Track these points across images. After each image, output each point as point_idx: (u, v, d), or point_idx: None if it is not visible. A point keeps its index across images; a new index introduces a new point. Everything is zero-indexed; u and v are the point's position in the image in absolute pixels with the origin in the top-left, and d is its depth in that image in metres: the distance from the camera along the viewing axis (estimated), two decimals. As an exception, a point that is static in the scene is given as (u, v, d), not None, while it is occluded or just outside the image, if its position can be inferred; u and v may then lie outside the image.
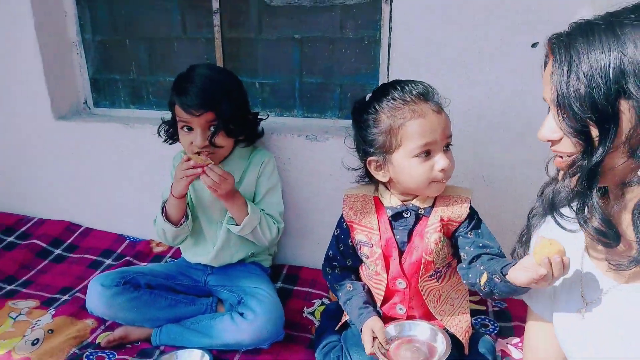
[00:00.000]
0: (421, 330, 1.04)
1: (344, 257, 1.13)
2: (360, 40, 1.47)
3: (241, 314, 1.19)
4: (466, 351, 1.07)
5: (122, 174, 1.72)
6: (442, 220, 1.02)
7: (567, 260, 0.73)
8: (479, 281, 0.93)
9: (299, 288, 1.47)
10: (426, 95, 0.97)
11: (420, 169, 0.97)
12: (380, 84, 1.41)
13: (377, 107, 0.98)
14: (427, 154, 0.96)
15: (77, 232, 1.77)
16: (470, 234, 1.03)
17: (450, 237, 1.05)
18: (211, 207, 1.32)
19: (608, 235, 0.68)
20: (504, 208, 1.35)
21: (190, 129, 1.23)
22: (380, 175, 1.03)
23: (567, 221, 0.73)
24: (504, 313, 1.30)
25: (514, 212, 1.15)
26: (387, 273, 1.05)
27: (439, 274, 1.06)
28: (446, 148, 0.99)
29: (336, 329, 1.16)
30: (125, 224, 1.77)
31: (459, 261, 1.04)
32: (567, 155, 0.69)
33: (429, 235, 1.02)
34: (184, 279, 1.35)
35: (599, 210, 0.67)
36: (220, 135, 1.22)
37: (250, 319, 1.16)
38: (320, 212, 1.53)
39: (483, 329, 1.22)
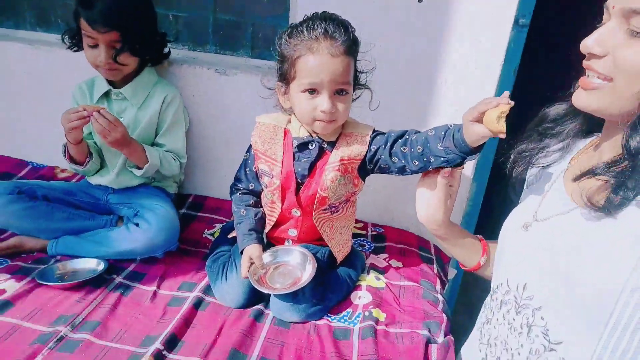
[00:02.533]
0: (294, 255, 1.16)
1: (247, 181, 1.20)
2: (273, -18, 1.55)
3: (136, 225, 1.26)
4: (338, 262, 1.22)
5: (25, 98, 1.68)
6: (342, 160, 1.07)
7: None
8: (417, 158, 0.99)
9: (203, 214, 1.56)
10: (329, 36, 0.97)
11: (305, 105, 1.00)
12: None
13: (289, 34, 1.00)
14: (313, 92, 0.99)
15: (-25, 156, 1.71)
16: (375, 147, 1.07)
17: (360, 170, 1.10)
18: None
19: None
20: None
21: (95, 45, 1.25)
22: (283, 101, 1.08)
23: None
24: (380, 236, 1.50)
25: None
26: (282, 203, 1.13)
27: (333, 208, 1.14)
28: (340, 93, 1.01)
29: (229, 236, 1.27)
30: (27, 150, 1.74)
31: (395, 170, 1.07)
32: (598, 78, 0.66)
33: (327, 173, 1.08)
34: (84, 197, 1.39)
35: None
36: (125, 53, 1.26)
37: (144, 228, 1.23)
38: (227, 145, 1.62)
39: (360, 248, 1.40)
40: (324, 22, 0.97)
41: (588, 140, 0.84)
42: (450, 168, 0.96)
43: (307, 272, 1.10)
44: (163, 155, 1.36)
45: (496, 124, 0.81)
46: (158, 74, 1.45)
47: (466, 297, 1.77)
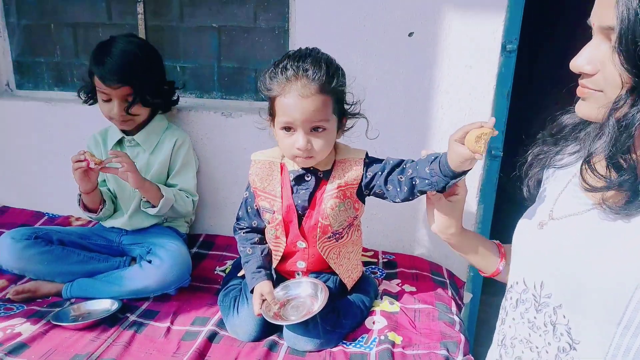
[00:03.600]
0: (304, 287, 1.16)
1: (250, 219, 1.21)
2: (272, 30, 1.66)
3: (149, 262, 1.28)
4: (348, 288, 1.21)
5: (42, 152, 1.77)
6: (339, 187, 1.09)
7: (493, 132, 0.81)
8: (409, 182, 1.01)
9: (214, 252, 1.58)
10: (299, 76, 0.99)
11: (284, 141, 1.04)
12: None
13: (271, 73, 1.03)
14: (289, 129, 1.02)
15: (-6, 210, 1.77)
16: (371, 173, 1.08)
17: (359, 194, 1.12)
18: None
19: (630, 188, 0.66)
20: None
21: (109, 99, 1.34)
22: (272, 135, 1.11)
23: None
24: (391, 263, 1.49)
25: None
26: (287, 237, 1.14)
27: (337, 235, 1.14)
28: (317, 130, 1.02)
29: (238, 275, 1.27)
30: (44, 203, 1.80)
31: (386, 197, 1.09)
32: (594, 90, 0.66)
33: (326, 201, 1.09)
34: (98, 239, 1.42)
35: (633, 167, 0.64)
36: (137, 105, 1.34)
37: (157, 264, 1.25)
38: (235, 184, 1.67)
39: (372, 275, 1.39)
40: (297, 62, 1.00)
41: None
42: (435, 191, 0.97)
43: (319, 301, 1.10)
44: (177, 192, 1.40)
45: (474, 144, 0.82)
46: (168, 119, 1.53)
47: (486, 326, 1.72)
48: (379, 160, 1.11)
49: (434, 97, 1.49)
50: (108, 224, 1.45)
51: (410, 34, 1.46)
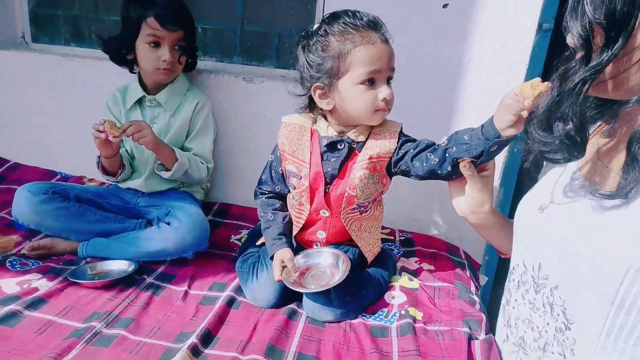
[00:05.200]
0: (325, 256, 1.13)
1: (274, 183, 1.18)
2: (300, -5, 1.60)
3: (168, 224, 1.26)
4: (369, 262, 1.20)
5: (57, 109, 1.73)
6: (370, 158, 1.06)
7: (548, 91, 0.75)
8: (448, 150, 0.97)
9: (229, 221, 1.56)
10: (376, 24, 1.00)
11: (364, 96, 1.00)
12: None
13: (328, 30, 0.99)
14: (372, 82, 0.99)
15: (5, 166, 1.74)
16: (403, 151, 1.06)
17: (387, 170, 1.09)
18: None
19: (575, 144, 0.68)
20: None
21: (157, 45, 1.29)
22: (324, 104, 1.05)
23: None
24: (408, 241, 1.48)
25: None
26: (311, 205, 1.12)
27: (362, 208, 1.12)
28: (389, 81, 1.03)
29: (257, 243, 1.25)
30: (57, 162, 1.77)
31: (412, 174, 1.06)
32: None
33: (355, 172, 1.07)
34: (114, 200, 1.40)
35: (577, 115, 0.66)
36: (185, 54, 1.33)
37: (176, 226, 1.23)
38: (253, 153, 1.64)
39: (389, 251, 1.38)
40: (358, 14, 0.99)
41: (597, 124, 0.86)
42: (469, 161, 0.94)
43: (340, 271, 1.08)
44: (191, 157, 1.37)
45: (529, 89, 0.78)
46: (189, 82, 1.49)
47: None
48: (413, 140, 1.08)
49: (464, 74, 1.44)
50: (124, 184, 1.43)
51: (445, 6, 1.40)
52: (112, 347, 0.92)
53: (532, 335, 0.81)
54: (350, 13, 0.99)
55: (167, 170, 1.32)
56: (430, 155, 1.01)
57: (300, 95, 1.11)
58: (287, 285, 1.06)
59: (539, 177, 0.93)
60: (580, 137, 0.68)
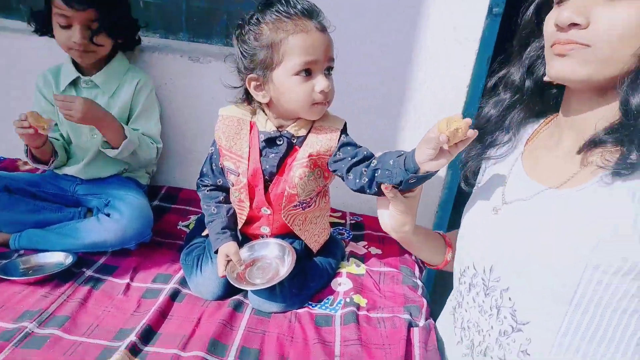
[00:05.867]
0: (271, 248, 1.12)
1: (215, 176, 1.14)
2: (247, -32, 1.51)
3: (107, 215, 1.20)
4: (315, 252, 1.20)
5: (-16, 86, 1.59)
6: (310, 156, 1.02)
7: (467, 128, 0.74)
8: (368, 179, 0.96)
9: (177, 206, 1.51)
10: (311, 12, 0.93)
11: (301, 88, 0.94)
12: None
13: (260, 19, 0.93)
14: (308, 73, 0.94)
15: None
16: (341, 155, 1.02)
17: (327, 165, 1.05)
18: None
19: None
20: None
21: (68, 24, 1.19)
22: (260, 96, 0.99)
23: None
24: (358, 225, 1.49)
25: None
26: (251, 202, 1.08)
27: (304, 204, 1.10)
28: (327, 73, 0.97)
29: (202, 234, 1.22)
30: (-13, 143, 1.65)
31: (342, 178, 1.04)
32: (579, 45, 0.64)
33: (295, 170, 1.03)
34: (50, 188, 1.32)
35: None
36: (102, 34, 1.21)
37: (116, 218, 1.18)
38: (201, 134, 1.58)
39: (339, 237, 1.39)
40: (292, 1, 0.92)
41: (540, 121, 0.87)
42: (390, 185, 0.91)
43: (286, 264, 1.08)
44: (141, 136, 1.30)
45: (445, 125, 0.75)
46: (129, 61, 1.40)
47: (443, 284, 1.79)
48: (354, 145, 1.04)
49: (416, 60, 1.43)
50: (61, 171, 1.34)
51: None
52: (44, 349, 0.89)
53: (478, 338, 0.82)
54: (284, 1, 0.93)
55: (114, 148, 1.25)
56: (364, 171, 0.97)
57: (236, 87, 1.05)
58: (231, 282, 1.04)
59: (478, 185, 0.93)
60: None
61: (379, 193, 0.97)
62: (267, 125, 1.04)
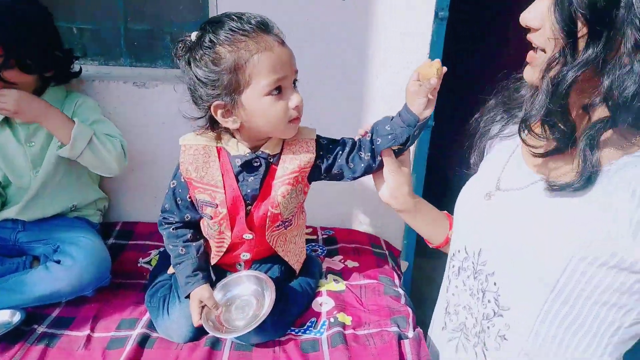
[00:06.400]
0: (247, 285, 1.03)
1: (180, 212, 1.03)
2: (188, -13, 1.46)
3: (58, 262, 1.09)
4: (297, 274, 1.14)
5: None
6: (292, 172, 0.98)
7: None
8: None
9: (135, 242, 1.40)
10: (266, 25, 0.88)
11: (275, 108, 0.89)
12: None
13: (215, 40, 0.85)
14: (279, 91, 0.89)
15: None
16: (331, 155, 1.01)
17: (309, 177, 1.02)
18: (15, 155, 1.18)
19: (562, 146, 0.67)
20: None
21: None
22: (230, 122, 0.91)
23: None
24: (331, 239, 1.45)
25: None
26: (232, 231, 1.01)
27: (287, 223, 1.05)
28: (295, 85, 0.92)
29: (168, 272, 1.11)
30: None
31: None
32: (540, 49, 0.66)
33: (277, 188, 0.98)
34: (-13, 238, 1.18)
35: (570, 126, 0.65)
36: (13, 70, 1.10)
37: (69, 265, 1.07)
38: (156, 163, 1.49)
39: (313, 254, 1.34)
40: (243, 17, 0.86)
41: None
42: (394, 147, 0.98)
43: (266, 299, 0.99)
44: (97, 129, 1.19)
45: (427, 69, 0.87)
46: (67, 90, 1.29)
47: (418, 291, 1.78)
48: (334, 140, 1.04)
49: (369, 66, 1.43)
50: (-2, 217, 1.21)
51: (344, -2, 1.36)
52: None
53: (471, 321, 0.82)
54: (234, 17, 0.86)
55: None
56: (361, 154, 1.01)
57: (198, 118, 0.95)
58: (209, 331, 0.95)
59: (481, 166, 0.92)
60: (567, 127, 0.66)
61: (382, 165, 1.00)
62: (239, 148, 0.97)
